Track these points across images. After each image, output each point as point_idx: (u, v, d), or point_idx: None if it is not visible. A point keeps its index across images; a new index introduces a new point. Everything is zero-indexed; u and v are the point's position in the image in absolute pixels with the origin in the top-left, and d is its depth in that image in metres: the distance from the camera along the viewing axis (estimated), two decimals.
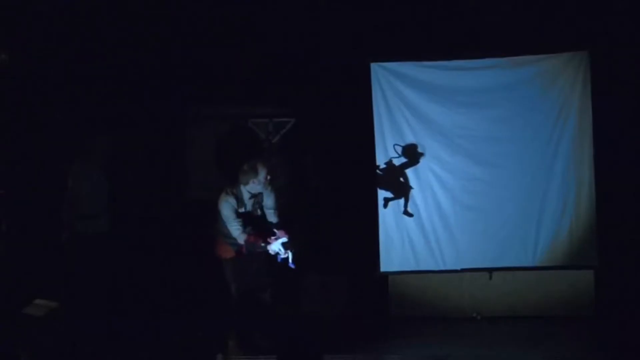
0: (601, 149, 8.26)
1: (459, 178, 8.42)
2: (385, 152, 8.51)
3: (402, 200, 8.46)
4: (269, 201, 7.09)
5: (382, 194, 8.51)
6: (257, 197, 7.03)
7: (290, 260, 6.83)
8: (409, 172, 8.47)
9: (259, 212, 7.11)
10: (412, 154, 8.45)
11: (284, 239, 6.86)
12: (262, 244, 6.87)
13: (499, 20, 8.25)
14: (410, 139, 8.47)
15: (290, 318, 8.17)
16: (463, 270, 8.43)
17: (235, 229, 6.89)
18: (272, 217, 7.11)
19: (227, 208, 6.89)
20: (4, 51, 7.71)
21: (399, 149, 8.45)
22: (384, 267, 8.50)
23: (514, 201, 8.36)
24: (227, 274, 7.10)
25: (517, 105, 8.34)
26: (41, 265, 7.68)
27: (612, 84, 8.19)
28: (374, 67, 8.49)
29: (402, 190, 8.47)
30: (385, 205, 8.47)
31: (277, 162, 8.96)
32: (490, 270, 8.42)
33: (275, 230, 6.95)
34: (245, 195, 6.97)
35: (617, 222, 8.20)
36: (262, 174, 6.91)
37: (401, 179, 8.49)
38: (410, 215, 8.43)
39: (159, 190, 8.85)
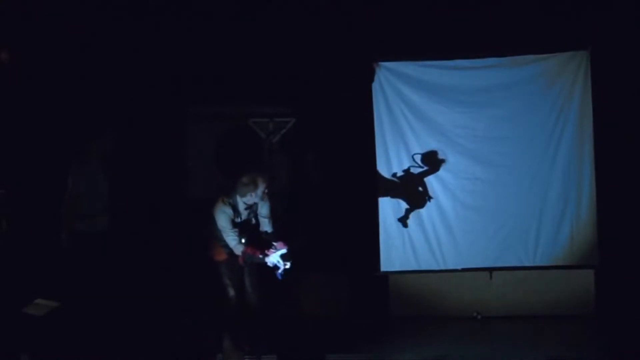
0: (601, 148, 8.27)
1: (460, 178, 8.43)
2: (386, 152, 8.52)
3: (407, 205, 8.47)
4: (263, 210, 7.01)
5: (395, 207, 8.50)
6: (252, 207, 6.98)
7: (281, 271, 6.76)
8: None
9: (253, 220, 7.05)
10: (432, 161, 8.43)
11: (283, 251, 6.80)
12: (260, 256, 6.81)
13: (499, 20, 8.25)
14: (410, 139, 8.48)
15: (291, 318, 8.18)
16: (463, 270, 8.43)
17: (232, 239, 6.82)
18: (266, 226, 7.03)
19: (223, 219, 6.82)
20: (4, 51, 7.71)
21: (419, 158, 8.43)
22: (385, 266, 8.51)
23: (515, 201, 8.37)
24: (222, 276, 7.05)
25: (518, 105, 8.36)
26: (41, 265, 7.68)
27: (612, 84, 8.19)
28: (375, 66, 8.49)
29: (420, 200, 8.45)
30: (404, 223, 8.45)
31: (277, 161, 8.98)
32: (490, 270, 8.43)
33: (273, 242, 6.88)
34: (241, 206, 6.90)
35: (617, 222, 8.21)
36: (261, 188, 6.83)
37: (420, 189, 8.46)
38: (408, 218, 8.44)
39: (159, 190, 8.84)
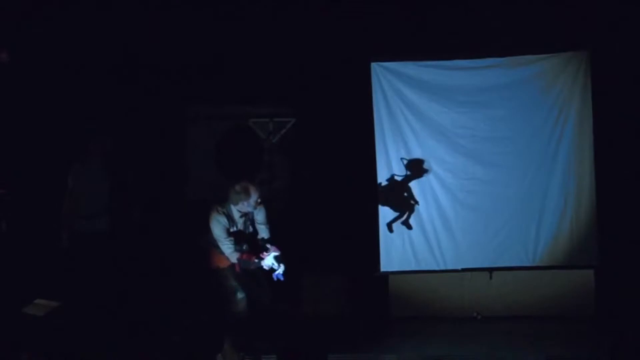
0: (601, 148, 8.28)
1: (459, 178, 8.44)
2: (386, 152, 8.52)
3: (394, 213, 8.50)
4: (259, 217, 6.95)
5: (385, 212, 8.51)
6: (247, 215, 6.94)
7: (281, 272, 6.75)
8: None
9: (250, 228, 7.00)
10: (416, 168, 8.44)
11: (276, 253, 6.77)
12: (256, 260, 6.78)
13: (499, 20, 8.26)
14: (410, 139, 8.48)
15: (291, 318, 8.17)
16: (463, 270, 8.44)
17: (227, 248, 6.75)
18: (264, 232, 6.97)
19: (218, 227, 6.76)
20: (4, 51, 7.71)
21: (405, 162, 8.43)
22: (384, 266, 8.51)
23: (514, 201, 8.37)
24: (227, 280, 6.97)
25: (517, 105, 8.36)
26: (41, 265, 7.68)
27: (612, 84, 8.20)
28: (374, 66, 8.50)
29: (406, 206, 8.45)
30: (390, 229, 8.47)
31: (277, 161, 8.98)
32: (490, 270, 8.43)
33: (267, 246, 6.85)
34: (236, 214, 6.86)
35: (617, 222, 8.21)
36: (254, 197, 6.76)
37: (405, 194, 8.47)
38: (410, 227, 8.43)
39: (159, 190, 8.85)
